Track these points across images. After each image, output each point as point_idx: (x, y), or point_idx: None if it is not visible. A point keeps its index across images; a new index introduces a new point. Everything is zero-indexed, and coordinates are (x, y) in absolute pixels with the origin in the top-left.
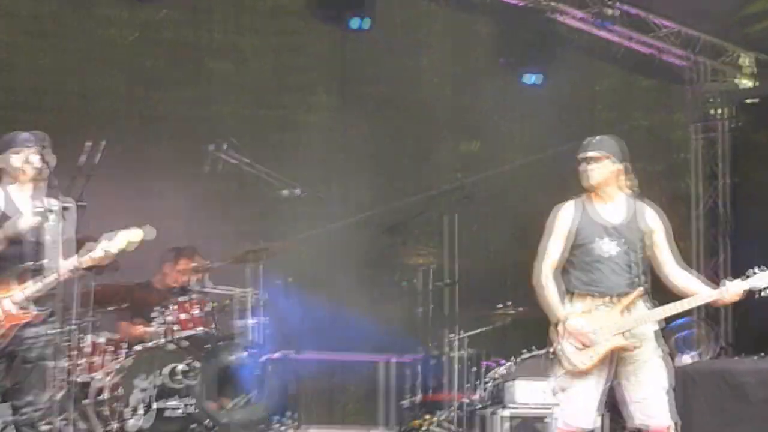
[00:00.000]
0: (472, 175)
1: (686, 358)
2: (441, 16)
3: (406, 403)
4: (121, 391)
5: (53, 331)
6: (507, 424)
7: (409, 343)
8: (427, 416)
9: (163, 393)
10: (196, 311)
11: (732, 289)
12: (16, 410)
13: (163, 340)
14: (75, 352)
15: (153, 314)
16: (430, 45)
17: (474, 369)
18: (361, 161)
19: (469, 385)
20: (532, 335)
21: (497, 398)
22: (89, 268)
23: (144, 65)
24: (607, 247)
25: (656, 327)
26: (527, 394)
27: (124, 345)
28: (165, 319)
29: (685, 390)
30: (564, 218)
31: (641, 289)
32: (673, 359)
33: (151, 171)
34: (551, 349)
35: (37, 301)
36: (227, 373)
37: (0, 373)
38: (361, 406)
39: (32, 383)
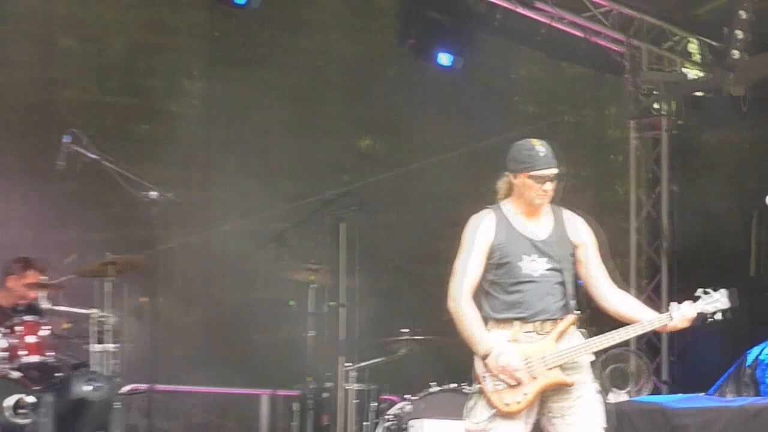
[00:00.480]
0: (371, 176)
1: (619, 395)
2: None
3: None
4: None
5: None
6: None
7: (297, 373)
8: None
9: (6, 430)
10: (45, 333)
11: (684, 313)
12: None
13: (6, 367)
14: None
15: None
16: (318, 23)
17: (373, 404)
18: (244, 159)
19: (367, 423)
20: (441, 366)
21: None
22: None
23: None
24: (536, 266)
25: (591, 357)
26: None
27: None
28: (9, 342)
29: (621, 431)
30: (483, 231)
31: (577, 312)
32: (605, 395)
33: None
34: (474, 386)
35: None
36: (81, 407)
37: None
38: None
39: None
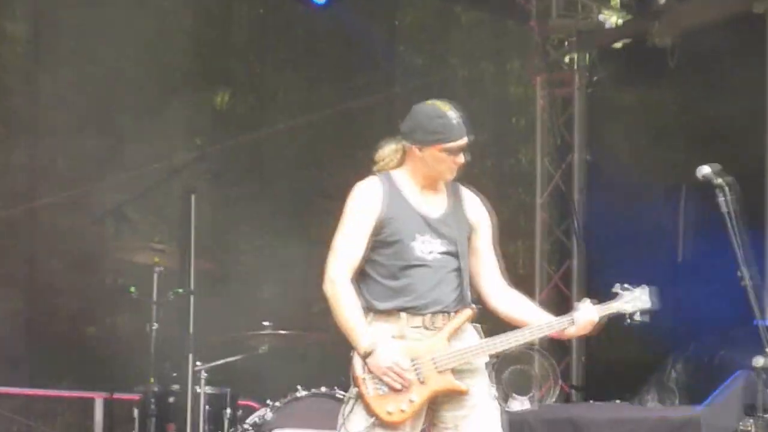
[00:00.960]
0: (228, 139)
1: (522, 402)
2: None
3: None
4: None
5: None
6: None
7: (138, 372)
8: None
9: None
10: None
11: (586, 316)
12: None
13: None
14: None
15: None
16: None
17: (228, 411)
18: (77, 117)
19: None
20: (310, 366)
21: None
22: None
23: None
24: (429, 247)
25: (486, 359)
26: None
27: None
28: None
29: None
30: (370, 202)
31: (473, 306)
32: (504, 402)
33: None
34: (352, 389)
35: None
36: None
37: None
38: None
39: None
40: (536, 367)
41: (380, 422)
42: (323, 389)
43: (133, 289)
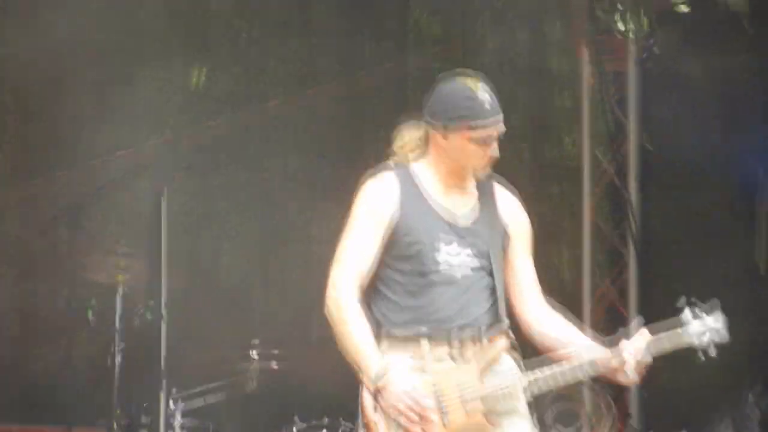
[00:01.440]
0: (201, 123)
1: None
2: None
3: None
4: None
5: None
6: None
7: (103, 404)
8: None
9: None
10: None
11: (635, 357)
12: None
13: None
14: None
15: None
16: None
17: None
18: (27, 97)
19: None
20: (306, 396)
21: None
22: None
23: None
24: (456, 259)
25: (528, 398)
26: None
27: None
28: None
29: None
30: (381, 204)
31: (510, 333)
32: None
33: None
34: (359, 427)
35: None
36: None
37: None
38: None
39: None
40: (587, 404)
41: None
42: (325, 420)
43: (90, 312)
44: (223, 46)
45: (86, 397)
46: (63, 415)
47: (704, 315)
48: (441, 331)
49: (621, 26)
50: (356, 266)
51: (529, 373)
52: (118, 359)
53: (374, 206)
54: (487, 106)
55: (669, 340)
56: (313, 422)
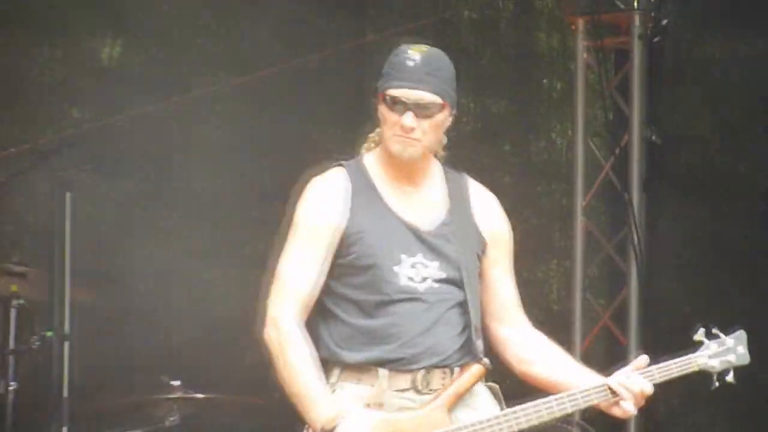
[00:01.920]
0: (120, 110)
1: None
2: None
3: None
4: None
5: None
6: None
7: None
8: None
9: None
10: None
11: (631, 386)
12: None
13: None
14: None
15: None
16: None
17: None
18: None
19: None
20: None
21: None
22: None
23: None
24: (421, 272)
25: None
26: None
27: None
28: None
29: None
30: (326, 208)
31: (486, 361)
32: None
33: None
34: None
35: None
36: None
37: None
38: None
39: None
40: None
41: None
42: None
43: None
44: (141, 18)
45: None
46: None
47: (723, 336)
48: (402, 357)
49: (618, 2)
50: (298, 290)
51: (508, 407)
52: (12, 386)
53: (317, 212)
54: (408, 68)
55: (677, 365)
56: None
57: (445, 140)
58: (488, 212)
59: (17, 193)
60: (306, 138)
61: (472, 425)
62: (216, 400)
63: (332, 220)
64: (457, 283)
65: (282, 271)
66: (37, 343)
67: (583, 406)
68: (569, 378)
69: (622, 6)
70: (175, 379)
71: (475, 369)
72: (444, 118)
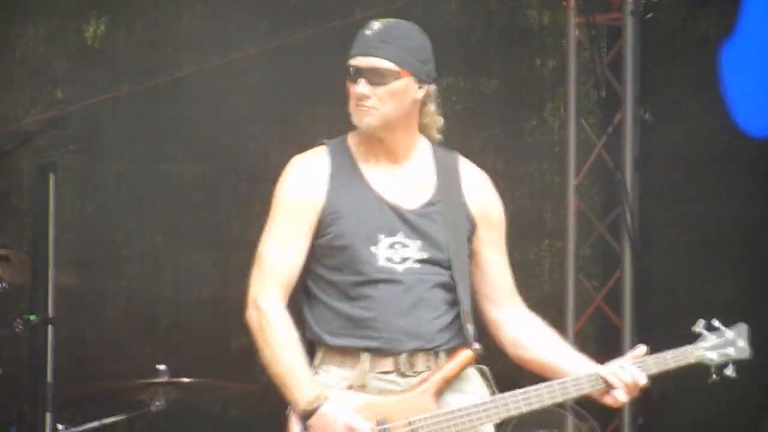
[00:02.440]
0: (103, 90)
1: None
2: None
3: None
4: None
5: None
6: None
7: None
8: None
9: None
10: None
11: (624, 376)
12: None
13: None
14: None
15: None
16: None
17: None
18: None
19: None
20: (224, 427)
21: None
22: None
23: None
24: (400, 253)
25: (496, 420)
26: None
27: None
28: None
29: None
30: (304, 188)
31: (476, 345)
32: None
33: None
34: None
35: None
36: None
37: None
38: None
39: None
40: None
41: None
42: None
43: None
44: None
45: None
46: None
47: (723, 328)
48: (382, 340)
49: None
50: (277, 270)
51: (499, 390)
52: None
53: (295, 191)
54: (365, 36)
55: (674, 356)
56: None
57: (441, 121)
58: (479, 191)
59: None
60: (293, 118)
61: (459, 410)
62: (202, 384)
63: (310, 199)
64: (442, 264)
65: (262, 252)
66: (21, 327)
67: (574, 395)
68: (563, 363)
69: None
70: (160, 364)
71: (465, 354)
72: (403, 86)
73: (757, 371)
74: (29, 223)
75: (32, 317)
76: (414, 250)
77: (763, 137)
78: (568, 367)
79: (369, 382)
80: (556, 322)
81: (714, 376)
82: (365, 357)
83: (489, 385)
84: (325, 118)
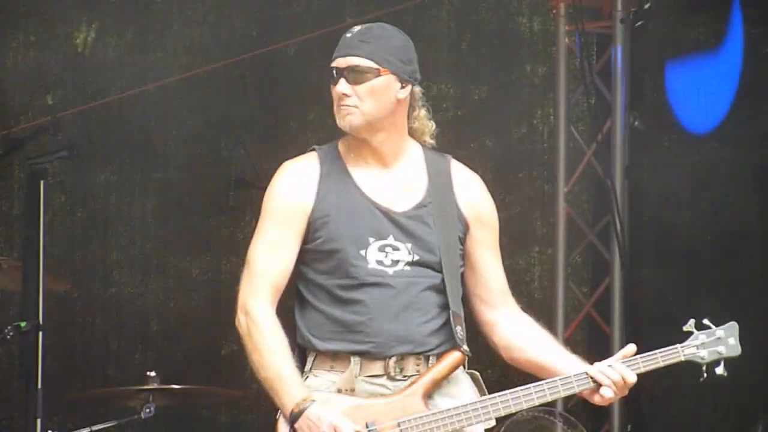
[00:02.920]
0: (95, 96)
1: None
2: None
3: None
4: None
5: None
6: None
7: None
8: None
9: None
10: None
11: (613, 374)
12: None
13: None
14: None
15: None
16: None
17: None
18: None
19: None
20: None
21: None
22: None
23: None
24: (391, 256)
25: (488, 424)
26: None
27: None
28: None
29: None
30: (293, 193)
31: (465, 348)
32: None
33: None
34: None
35: None
36: None
37: None
38: None
39: None
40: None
41: None
42: None
43: None
44: (115, 3)
45: None
46: None
47: (713, 327)
48: (372, 344)
49: None
50: (267, 275)
51: (488, 393)
52: None
53: (285, 197)
54: (346, 39)
55: (663, 354)
56: None
57: (432, 126)
58: (472, 193)
59: None
60: (283, 125)
61: (448, 411)
62: (192, 391)
63: (300, 203)
64: (433, 267)
65: (251, 257)
66: (11, 333)
67: (563, 394)
68: (555, 363)
69: None
70: (150, 370)
71: (454, 356)
72: (384, 84)
73: (747, 376)
74: (20, 229)
75: (23, 323)
76: (404, 252)
77: (704, 133)
78: (560, 368)
79: (358, 386)
80: (546, 329)
81: (705, 374)
82: (355, 361)
83: (479, 389)
84: (316, 124)
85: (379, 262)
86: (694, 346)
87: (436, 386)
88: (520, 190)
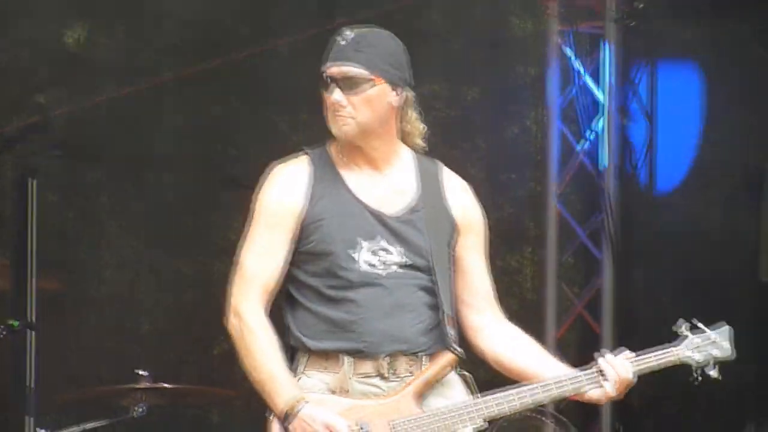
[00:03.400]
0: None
1: None
2: None
3: None
4: None
5: None
6: None
7: None
8: None
9: None
10: None
11: (615, 373)
12: None
13: None
14: None
15: None
16: None
17: None
18: None
19: None
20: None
21: None
22: None
23: None
24: (382, 257)
25: (481, 425)
26: None
27: None
28: None
29: None
30: (285, 195)
31: (458, 349)
32: None
33: None
34: None
35: None
36: None
37: None
38: None
39: None
40: None
41: None
42: None
43: None
44: (106, 2)
45: None
46: None
47: (705, 329)
48: (362, 347)
49: None
50: (258, 277)
51: (479, 394)
52: None
53: (277, 199)
54: (339, 46)
55: (656, 355)
56: None
57: (424, 128)
58: (461, 199)
59: None
60: (275, 125)
61: (441, 412)
62: (184, 390)
63: (292, 207)
64: (424, 270)
65: (242, 260)
66: (3, 332)
67: (557, 397)
68: (542, 370)
69: None
70: (141, 369)
71: (447, 358)
72: (378, 93)
73: (738, 378)
74: (11, 228)
75: (14, 323)
76: (396, 255)
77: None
78: (546, 373)
79: (351, 386)
80: (537, 329)
81: (698, 377)
82: (347, 360)
83: (471, 391)
84: (307, 125)
85: (371, 265)
86: (687, 348)
87: (430, 388)
88: (512, 191)
